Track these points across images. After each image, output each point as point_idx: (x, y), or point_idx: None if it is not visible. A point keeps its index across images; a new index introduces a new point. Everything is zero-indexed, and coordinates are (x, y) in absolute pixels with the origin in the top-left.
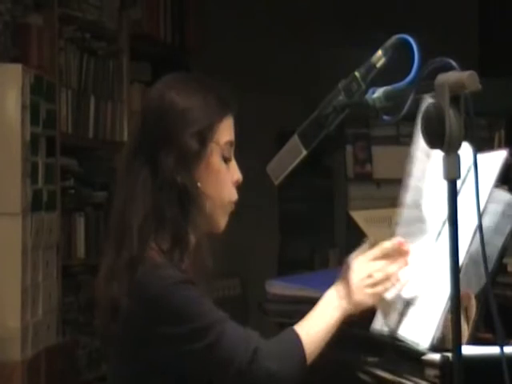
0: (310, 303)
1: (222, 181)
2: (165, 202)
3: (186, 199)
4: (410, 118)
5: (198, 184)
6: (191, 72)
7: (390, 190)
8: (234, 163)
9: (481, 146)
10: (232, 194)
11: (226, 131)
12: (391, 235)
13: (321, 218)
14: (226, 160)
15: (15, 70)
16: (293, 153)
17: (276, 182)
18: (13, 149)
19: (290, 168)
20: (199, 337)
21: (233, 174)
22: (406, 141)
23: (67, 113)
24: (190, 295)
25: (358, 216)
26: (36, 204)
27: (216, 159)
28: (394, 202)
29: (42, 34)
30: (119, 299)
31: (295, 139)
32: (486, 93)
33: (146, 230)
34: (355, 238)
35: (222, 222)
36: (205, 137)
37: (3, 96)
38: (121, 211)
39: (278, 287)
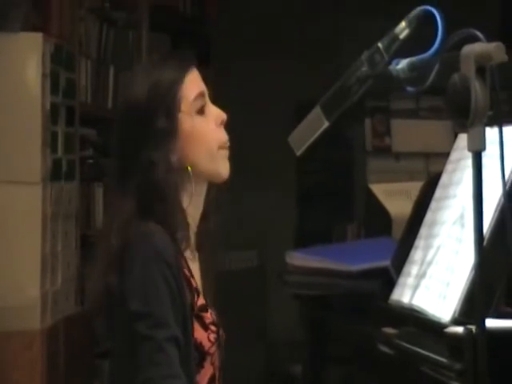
0: (329, 275)
1: (203, 135)
2: (150, 201)
3: (169, 190)
4: (431, 92)
5: (189, 168)
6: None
7: (408, 163)
8: (211, 108)
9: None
10: (219, 137)
11: (191, 88)
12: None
13: (339, 190)
14: (202, 111)
15: (36, 38)
16: (315, 124)
17: (298, 153)
18: (33, 118)
19: (312, 139)
20: (145, 323)
21: (215, 117)
22: (426, 114)
23: (86, 83)
24: (159, 280)
25: (378, 189)
26: (55, 173)
27: (189, 124)
28: (412, 175)
29: (63, 4)
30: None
31: (318, 110)
32: (507, 65)
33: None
34: (374, 212)
35: (221, 169)
36: (172, 113)
37: (24, 64)
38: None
39: (298, 258)
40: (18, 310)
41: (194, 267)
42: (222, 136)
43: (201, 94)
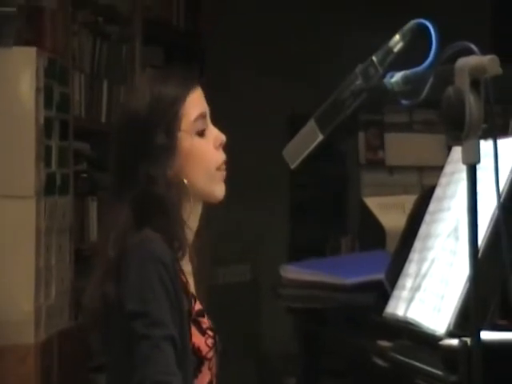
0: (324, 288)
1: (202, 155)
2: (147, 213)
3: (167, 204)
4: (424, 105)
5: (185, 180)
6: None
7: (402, 176)
8: (211, 129)
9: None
10: (217, 159)
11: (193, 108)
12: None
13: (333, 204)
14: (202, 133)
15: (30, 52)
16: (309, 137)
17: (292, 167)
18: (27, 132)
19: (307, 152)
20: (142, 322)
21: (214, 139)
22: (419, 128)
23: (80, 97)
24: (157, 283)
25: (372, 202)
26: (49, 187)
27: (188, 142)
28: (406, 188)
29: (56, 18)
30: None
31: (312, 124)
32: (500, 79)
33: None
34: (368, 225)
35: (217, 191)
36: (172, 131)
37: (18, 79)
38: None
39: (293, 272)
40: (11, 325)
41: (190, 280)
42: (220, 158)
43: (202, 115)
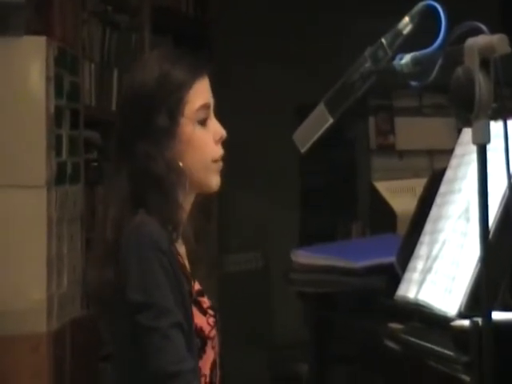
0: (335, 272)
1: (201, 145)
2: (143, 191)
3: (164, 184)
4: (434, 89)
5: (180, 164)
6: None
7: (412, 161)
8: (213, 122)
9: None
10: (214, 152)
11: (198, 96)
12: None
13: (343, 190)
14: (203, 123)
15: (39, 42)
16: (319, 121)
17: (302, 150)
18: (37, 121)
19: (317, 136)
20: (148, 314)
21: (214, 132)
22: (429, 112)
23: (90, 86)
24: (159, 270)
25: (382, 186)
26: (60, 177)
27: (189, 129)
28: (417, 173)
29: (65, 7)
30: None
31: (322, 107)
32: (510, 62)
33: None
34: (379, 209)
35: (213, 182)
36: (174, 114)
37: (28, 68)
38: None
39: (304, 256)
40: (24, 314)
41: (185, 261)
42: (218, 152)
43: (206, 106)
